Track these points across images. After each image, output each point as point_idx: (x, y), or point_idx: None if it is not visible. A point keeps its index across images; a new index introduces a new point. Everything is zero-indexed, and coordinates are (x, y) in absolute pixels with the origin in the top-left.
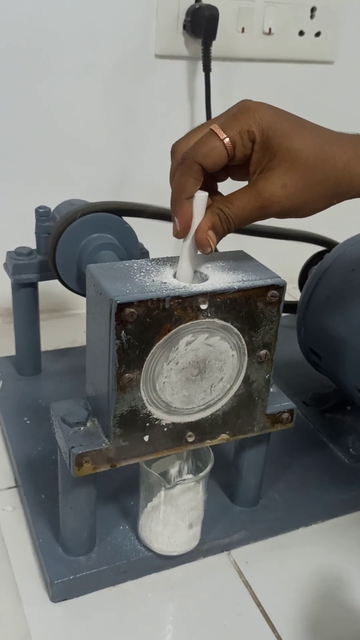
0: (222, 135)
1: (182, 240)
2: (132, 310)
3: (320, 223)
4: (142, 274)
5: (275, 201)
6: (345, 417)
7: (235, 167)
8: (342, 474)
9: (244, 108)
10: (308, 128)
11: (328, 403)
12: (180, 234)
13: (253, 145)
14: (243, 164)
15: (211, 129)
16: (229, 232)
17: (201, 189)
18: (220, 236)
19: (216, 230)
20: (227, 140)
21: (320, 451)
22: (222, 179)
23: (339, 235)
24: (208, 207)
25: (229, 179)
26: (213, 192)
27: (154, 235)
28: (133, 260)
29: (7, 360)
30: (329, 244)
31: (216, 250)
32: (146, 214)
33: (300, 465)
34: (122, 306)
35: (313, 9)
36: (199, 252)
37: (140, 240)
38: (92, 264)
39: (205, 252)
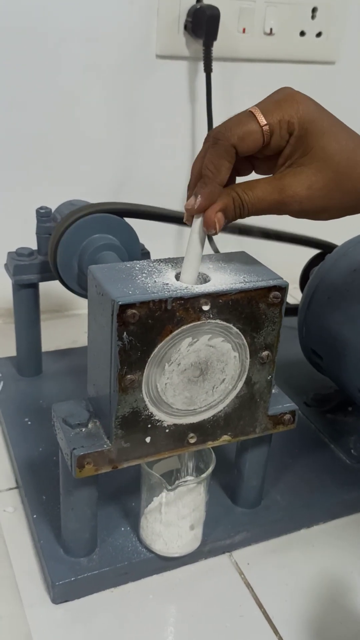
0: (262, 120)
1: (186, 241)
2: (134, 311)
3: (320, 224)
4: (143, 275)
5: (297, 200)
6: (346, 418)
7: (262, 158)
8: (343, 475)
9: (289, 97)
10: (345, 130)
11: (329, 404)
12: (196, 211)
13: (289, 138)
14: (271, 156)
15: (251, 111)
16: (240, 217)
17: None
18: (229, 220)
19: (227, 213)
20: (266, 127)
21: (322, 452)
22: (247, 172)
23: (339, 236)
24: (225, 188)
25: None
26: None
27: (154, 236)
28: (135, 262)
29: (8, 360)
30: (328, 247)
31: (217, 251)
32: (147, 215)
33: (302, 466)
34: (124, 307)
35: (314, 9)
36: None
37: (141, 241)
38: (93, 265)
39: (209, 232)
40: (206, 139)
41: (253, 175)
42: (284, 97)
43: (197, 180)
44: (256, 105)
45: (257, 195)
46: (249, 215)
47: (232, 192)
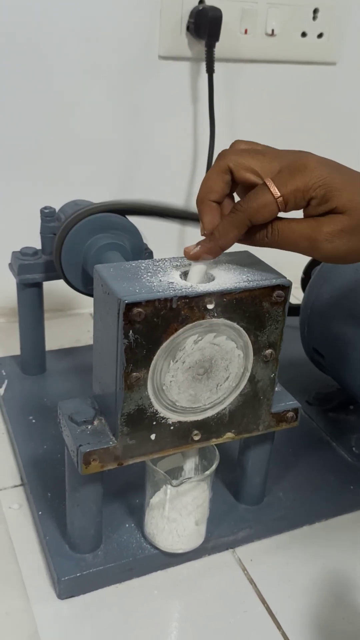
0: (276, 193)
1: (188, 241)
2: (139, 310)
3: None
4: (149, 274)
5: (329, 239)
6: (348, 416)
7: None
8: (345, 473)
9: (301, 166)
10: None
11: (331, 402)
12: (191, 258)
13: (309, 201)
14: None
15: (265, 184)
16: (266, 242)
17: None
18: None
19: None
20: (280, 198)
21: (324, 450)
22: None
23: None
24: None
25: None
26: None
27: (158, 236)
28: (140, 261)
29: (12, 359)
30: None
31: None
32: (151, 213)
33: (304, 464)
34: (130, 306)
35: (315, 11)
36: None
37: (144, 240)
38: (98, 264)
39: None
40: (219, 156)
41: None
42: (297, 167)
43: (204, 200)
44: (271, 178)
45: (290, 225)
46: (275, 242)
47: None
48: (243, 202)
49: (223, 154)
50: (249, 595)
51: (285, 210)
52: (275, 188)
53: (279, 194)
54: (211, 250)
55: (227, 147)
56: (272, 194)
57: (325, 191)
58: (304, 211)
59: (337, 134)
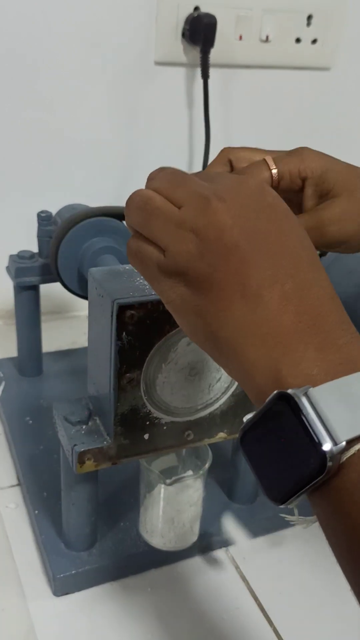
0: (272, 166)
1: None
2: (133, 312)
3: None
4: (142, 277)
5: (334, 222)
6: None
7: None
8: None
9: (301, 150)
10: (359, 170)
11: None
12: None
13: (304, 182)
14: (291, 202)
15: (264, 159)
16: None
17: None
18: None
19: None
20: (274, 171)
21: None
22: None
23: None
24: None
25: None
26: None
27: None
28: None
29: (9, 361)
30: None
31: None
32: None
33: None
34: (123, 308)
35: (309, 17)
36: None
37: None
38: (93, 267)
39: None
40: (220, 152)
41: None
42: (296, 150)
43: None
44: (270, 154)
45: None
46: None
47: None
48: (237, 172)
49: (225, 149)
50: (242, 592)
51: (279, 187)
52: (272, 162)
53: (274, 166)
54: None
55: None
56: (268, 166)
57: (321, 172)
58: (303, 204)
59: (331, 139)
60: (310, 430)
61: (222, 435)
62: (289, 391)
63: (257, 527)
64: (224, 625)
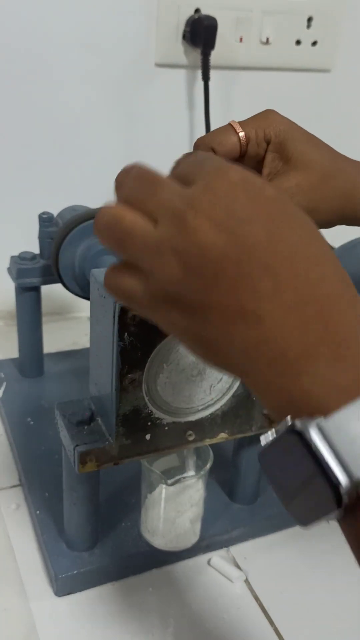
0: (239, 129)
1: None
2: (134, 313)
3: None
4: None
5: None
6: None
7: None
8: None
9: (265, 112)
10: (321, 143)
11: None
12: None
13: (268, 146)
14: (257, 167)
15: (229, 123)
16: None
17: None
18: None
19: None
20: (242, 134)
21: None
22: None
23: (331, 242)
24: None
25: None
26: None
27: None
28: None
29: (11, 362)
30: None
31: None
32: None
33: None
34: (125, 309)
35: (310, 19)
36: None
37: None
38: (95, 268)
39: None
40: (194, 147)
41: None
42: (261, 113)
43: None
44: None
45: None
46: None
47: None
48: (206, 136)
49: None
50: (243, 592)
51: (248, 152)
52: (238, 125)
53: (240, 129)
54: None
55: None
56: (235, 129)
57: (282, 139)
58: (262, 172)
59: (331, 140)
60: (323, 466)
61: (223, 435)
62: (298, 425)
63: (258, 527)
64: (225, 625)
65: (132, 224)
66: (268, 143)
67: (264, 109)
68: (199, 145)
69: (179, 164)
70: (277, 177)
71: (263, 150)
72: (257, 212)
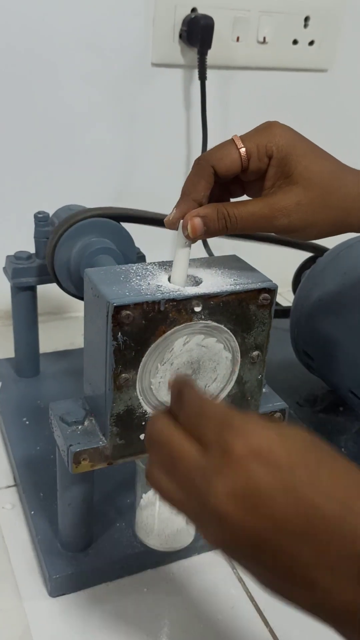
0: (240, 144)
1: (175, 245)
2: (128, 312)
3: None
4: (138, 277)
5: (285, 214)
6: (338, 417)
7: (251, 182)
8: None
9: (268, 125)
10: (323, 154)
11: (321, 404)
12: (170, 225)
13: (270, 161)
14: (260, 179)
15: (232, 138)
16: (228, 230)
17: (215, 200)
18: (211, 230)
19: (208, 221)
20: (243, 149)
21: None
22: (238, 195)
23: (330, 240)
24: (216, 202)
25: (245, 196)
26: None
27: (150, 240)
28: (129, 265)
29: (7, 362)
30: (320, 250)
31: (211, 254)
32: (142, 219)
33: None
34: (118, 309)
35: (307, 19)
36: (190, 256)
37: (137, 245)
38: (89, 268)
39: (184, 233)
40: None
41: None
42: (263, 126)
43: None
44: (237, 135)
45: (247, 209)
46: (237, 229)
47: (218, 205)
48: (207, 152)
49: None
50: (238, 592)
51: (249, 167)
52: (240, 140)
53: (242, 145)
54: (187, 207)
55: None
56: (236, 145)
57: (285, 154)
58: (264, 185)
59: (329, 140)
60: None
61: None
62: None
63: None
64: (220, 624)
65: (167, 493)
66: (270, 158)
67: (267, 121)
68: (200, 161)
69: (181, 402)
70: (278, 193)
71: (265, 164)
72: (276, 484)
